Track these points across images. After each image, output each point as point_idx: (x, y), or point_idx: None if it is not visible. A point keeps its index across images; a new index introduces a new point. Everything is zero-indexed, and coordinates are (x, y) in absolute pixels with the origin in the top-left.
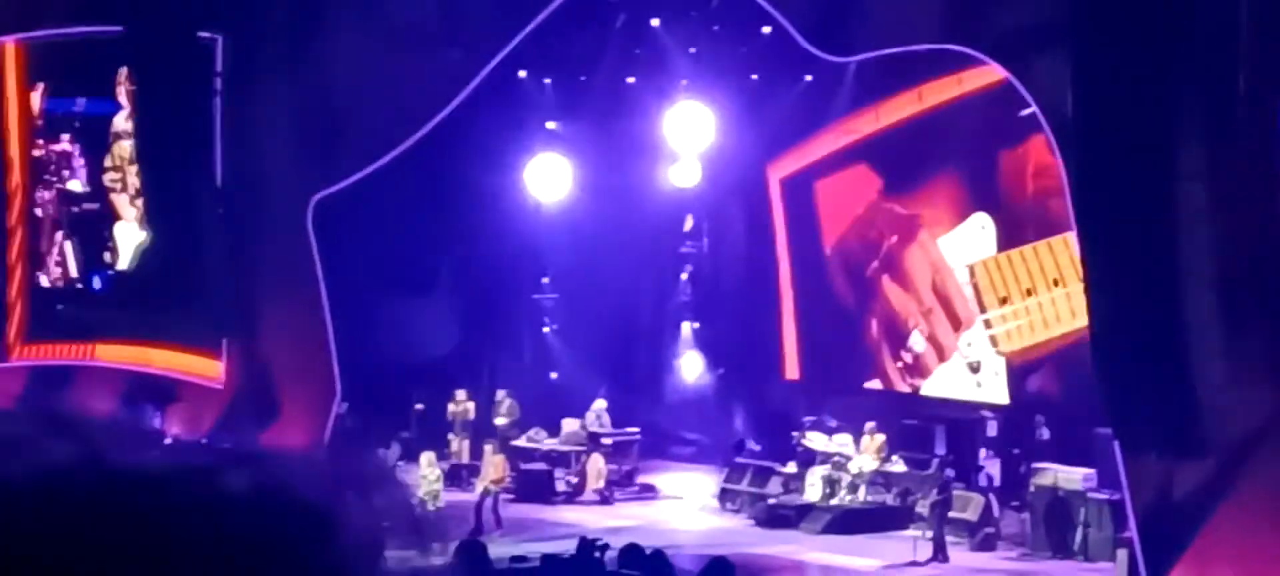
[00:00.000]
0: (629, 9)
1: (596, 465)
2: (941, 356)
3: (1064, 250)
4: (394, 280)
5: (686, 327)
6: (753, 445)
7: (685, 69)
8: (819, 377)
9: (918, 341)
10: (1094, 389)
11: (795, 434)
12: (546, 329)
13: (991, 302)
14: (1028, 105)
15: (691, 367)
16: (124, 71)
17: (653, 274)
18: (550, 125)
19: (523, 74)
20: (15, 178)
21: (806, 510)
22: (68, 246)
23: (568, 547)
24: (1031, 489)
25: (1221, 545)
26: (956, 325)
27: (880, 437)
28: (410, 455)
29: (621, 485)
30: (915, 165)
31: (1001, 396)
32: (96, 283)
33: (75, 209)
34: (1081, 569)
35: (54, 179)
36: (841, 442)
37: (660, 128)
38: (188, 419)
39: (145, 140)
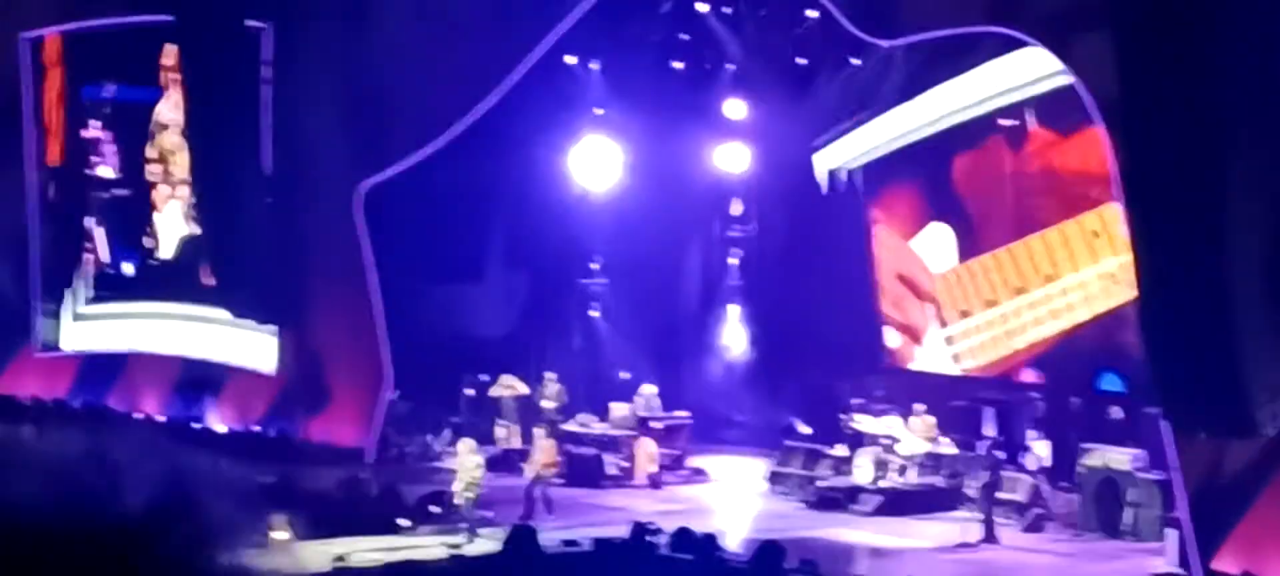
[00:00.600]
0: None
1: (646, 449)
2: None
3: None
4: (443, 266)
5: (735, 311)
6: (802, 428)
7: (732, 53)
8: (868, 360)
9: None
10: (1142, 369)
11: (843, 416)
12: (594, 314)
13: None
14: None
15: (740, 351)
16: (169, 60)
17: (701, 258)
18: (598, 110)
19: (570, 59)
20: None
21: (856, 492)
22: (99, 233)
23: (619, 532)
24: (1081, 469)
25: (1270, 524)
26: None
27: (930, 419)
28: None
29: (671, 469)
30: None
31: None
32: (126, 268)
33: (105, 194)
34: (1131, 549)
35: (86, 165)
36: (890, 425)
37: (708, 112)
38: (239, 406)
39: (195, 130)
